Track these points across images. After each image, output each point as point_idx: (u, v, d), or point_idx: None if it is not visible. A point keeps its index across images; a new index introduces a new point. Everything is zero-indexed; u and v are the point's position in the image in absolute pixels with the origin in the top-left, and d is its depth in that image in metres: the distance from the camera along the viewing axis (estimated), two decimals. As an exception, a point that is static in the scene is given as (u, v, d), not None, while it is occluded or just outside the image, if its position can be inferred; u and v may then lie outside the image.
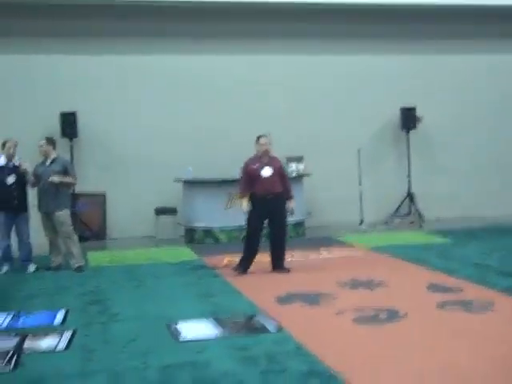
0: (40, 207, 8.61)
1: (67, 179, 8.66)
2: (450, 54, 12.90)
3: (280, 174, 8.08)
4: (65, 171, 8.64)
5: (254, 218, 7.93)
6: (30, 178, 8.59)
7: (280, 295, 6.72)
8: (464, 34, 12.75)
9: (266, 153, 8.11)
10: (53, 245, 8.71)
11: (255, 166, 8.01)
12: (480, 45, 12.94)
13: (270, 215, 7.94)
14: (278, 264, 8.05)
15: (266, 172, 7.97)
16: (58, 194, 8.54)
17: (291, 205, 8.08)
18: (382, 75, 12.57)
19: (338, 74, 12.44)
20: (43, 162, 8.71)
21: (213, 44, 11.88)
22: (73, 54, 11.43)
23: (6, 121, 10.90)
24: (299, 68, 12.32)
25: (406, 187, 12.52)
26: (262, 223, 8.01)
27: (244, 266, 8.01)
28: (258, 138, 8.20)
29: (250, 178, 7.99)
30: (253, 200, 7.94)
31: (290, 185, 8.21)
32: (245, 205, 7.95)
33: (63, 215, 8.55)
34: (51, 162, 8.65)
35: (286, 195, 8.06)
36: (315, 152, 11.98)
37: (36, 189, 8.69)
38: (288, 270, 7.99)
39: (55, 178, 8.47)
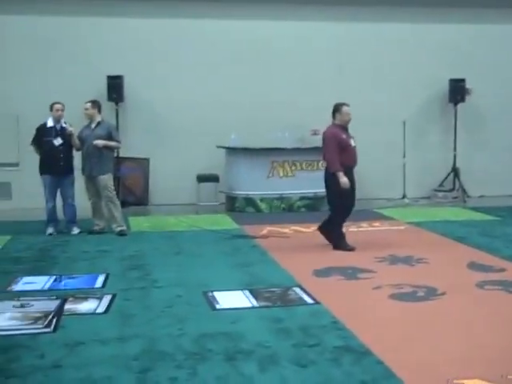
0: (84, 170, 8.74)
1: (111, 143, 8.76)
2: (504, 24, 12.48)
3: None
4: (109, 135, 8.73)
5: (346, 192, 7.44)
6: (75, 140, 8.71)
7: (318, 268, 6.72)
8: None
9: (349, 123, 7.71)
10: (96, 208, 8.85)
11: (344, 136, 7.58)
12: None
13: (353, 187, 7.62)
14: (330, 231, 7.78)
15: (353, 142, 7.66)
16: (102, 158, 8.64)
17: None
18: (431, 45, 12.25)
19: (387, 43, 12.17)
20: (88, 126, 8.80)
21: (258, 9, 11.78)
22: (122, 16, 11.47)
23: (54, 83, 11.03)
24: (346, 37, 12.11)
25: (451, 162, 12.29)
26: (349, 196, 7.56)
27: (346, 243, 7.67)
28: (341, 106, 7.68)
29: (338, 148, 7.50)
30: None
31: None
32: (346, 179, 7.40)
33: (106, 179, 8.67)
34: (96, 126, 8.74)
35: None
36: (360, 123, 11.72)
37: (81, 152, 8.82)
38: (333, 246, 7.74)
39: (99, 142, 8.57)
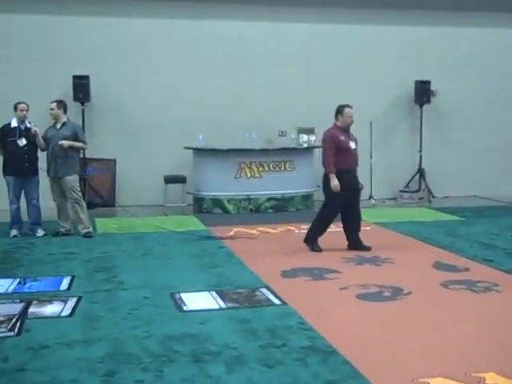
0: (49, 171, 8.63)
1: (77, 144, 8.66)
2: (468, 27, 12.64)
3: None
4: (75, 136, 8.63)
5: (339, 193, 7.36)
6: (40, 141, 8.59)
7: (285, 269, 6.73)
8: (482, 5, 12.49)
9: (350, 125, 7.62)
10: (61, 210, 8.74)
11: (343, 138, 7.49)
12: (498, 17, 12.68)
13: (351, 190, 7.49)
14: (360, 241, 7.66)
15: (353, 144, 7.55)
16: (67, 159, 8.54)
17: (361, 180, 7.79)
18: (396, 47, 12.38)
19: (352, 45, 12.27)
20: (53, 126, 8.69)
21: (228, 9, 11.77)
22: (87, 16, 11.34)
23: (18, 82, 10.88)
24: (314, 38, 12.18)
25: (417, 163, 12.44)
26: (344, 198, 7.43)
27: (316, 243, 7.63)
28: (343, 107, 7.59)
29: (336, 150, 7.42)
30: (338, 175, 7.36)
31: None
32: (337, 182, 7.32)
33: (72, 180, 8.57)
34: (61, 126, 8.64)
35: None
36: (327, 123, 11.85)
37: (46, 153, 8.70)
38: (369, 248, 7.60)
39: (65, 143, 8.47)
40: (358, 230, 7.72)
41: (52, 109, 8.65)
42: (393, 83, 12.38)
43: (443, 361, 4.21)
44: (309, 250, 7.63)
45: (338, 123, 7.61)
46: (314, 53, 12.19)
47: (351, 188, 7.49)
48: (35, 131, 8.53)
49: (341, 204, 7.48)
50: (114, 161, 11.56)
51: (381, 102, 12.48)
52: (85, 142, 8.86)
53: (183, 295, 5.76)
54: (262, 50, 11.94)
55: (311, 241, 7.67)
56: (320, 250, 7.58)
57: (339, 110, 7.61)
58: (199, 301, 5.63)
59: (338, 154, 7.41)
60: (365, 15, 12.24)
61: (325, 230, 7.70)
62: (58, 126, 8.65)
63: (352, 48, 12.28)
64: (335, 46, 12.24)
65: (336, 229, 9.21)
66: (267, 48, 11.97)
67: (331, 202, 7.56)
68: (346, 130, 7.59)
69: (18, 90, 10.27)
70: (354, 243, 7.67)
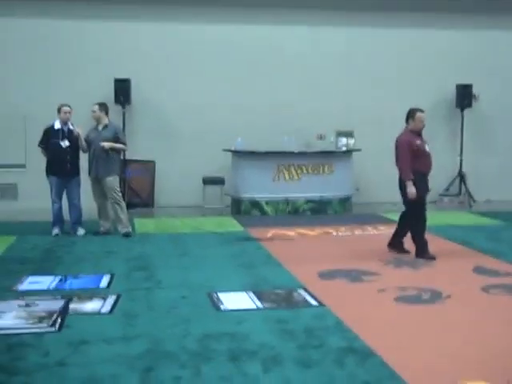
0: (90, 172, 8.77)
1: (118, 145, 8.79)
2: (509, 30, 12.47)
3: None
4: (116, 137, 8.75)
5: (421, 200, 7.26)
6: (82, 142, 8.74)
7: (322, 270, 6.71)
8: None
9: (422, 129, 7.44)
10: (102, 210, 8.87)
11: (419, 142, 7.31)
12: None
13: (426, 194, 7.41)
14: (402, 243, 7.61)
15: (427, 148, 7.37)
16: (109, 160, 8.67)
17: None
18: (437, 50, 12.27)
19: (392, 48, 12.21)
20: (95, 128, 8.83)
21: (268, 14, 11.81)
22: (131, 20, 11.51)
23: (62, 85, 11.10)
24: (354, 42, 12.15)
25: (458, 167, 12.28)
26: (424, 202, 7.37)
27: (429, 251, 7.35)
28: (415, 111, 7.41)
29: (413, 155, 7.24)
30: (416, 180, 7.21)
31: None
32: (414, 189, 7.16)
33: (112, 181, 8.70)
34: (103, 128, 8.77)
35: None
36: (366, 127, 11.85)
37: (87, 154, 8.84)
38: (408, 251, 7.51)
39: (106, 144, 8.60)
40: (406, 231, 7.58)
41: (94, 111, 8.79)
42: (434, 87, 12.27)
43: (484, 365, 4.15)
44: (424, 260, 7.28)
45: (410, 127, 7.39)
46: (353, 56, 12.15)
47: (427, 191, 7.39)
48: (78, 133, 8.67)
49: (423, 207, 7.35)
50: (154, 162, 11.68)
51: (421, 106, 12.11)
52: (125, 144, 8.97)
53: (220, 295, 5.79)
54: (300, 54, 11.95)
55: (421, 253, 7.35)
56: (434, 257, 7.26)
57: (411, 115, 7.40)
58: (236, 301, 5.65)
59: (416, 159, 7.25)
60: (405, 19, 12.16)
61: (425, 239, 7.42)
62: (100, 127, 8.78)
63: (392, 51, 12.22)
64: (375, 49, 12.19)
65: (374, 231, 9.20)
66: (306, 51, 11.98)
67: (417, 212, 7.35)
68: (418, 133, 7.38)
69: (62, 93, 10.49)
70: (396, 244, 7.60)
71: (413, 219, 7.44)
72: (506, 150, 12.48)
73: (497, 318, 5.22)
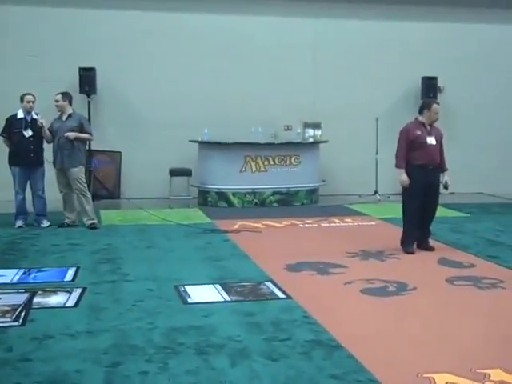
0: (55, 163, 8.64)
1: (83, 135, 8.67)
2: (474, 23, 12.61)
3: (441, 144, 7.39)
4: (81, 127, 8.63)
5: (413, 191, 7.15)
6: (46, 132, 8.59)
7: (290, 263, 6.72)
8: (488, 1, 12.47)
9: (435, 121, 7.35)
10: (67, 201, 8.75)
11: (419, 133, 7.21)
12: (504, 13, 12.67)
13: (427, 188, 7.20)
14: (425, 241, 7.45)
15: (431, 140, 7.23)
16: (73, 151, 8.55)
17: (447, 178, 7.43)
18: (403, 43, 12.36)
19: (359, 41, 12.26)
20: (59, 118, 8.69)
21: (235, 3, 11.77)
22: (94, 8, 11.35)
23: (25, 74, 10.88)
24: (321, 33, 12.17)
25: (423, 159, 12.38)
26: (421, 197, 7.20)
27: (410, 245, 7.32)
28: (431, 103, 7.38)
29: (410, 145, 7.18)
30: (410, 171, 7.17)
31: (445, 156, 7.49)
32: (405, 177, 7.14)
33: (77, 171, 8.58)
34: (67, 118, 8.63)
35: (443, 167, 7.44)
36: (333, 119, 11.88)
37: (52, 144, 8.70)
38: (433, 248, 7.41)
39: (71, 134, 8.47)
40: (427, 229, 7.47)
41: (57, 100, 8.65)
42: (399, 79, 12.36)
43: (448, 356, 4.20)
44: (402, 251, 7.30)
45: (421, 118, 7.31)
46: (320, 48, 12.17)
47: (427, 185, 7.20)
48: (41, 123, 8.53)
49: (417, 201, 7.21)
50: (120, 153, 11.57)
51: (387, 98, 12.45)
52: (91, 134, 8.86)
53: (188, 288, 5.76)
54: (268, 45, 11.91)
55: (404, 244, 7.36)
56: (411, 252, 7.24)
57: (427, 105, 7.33)
58: (203, 293, 5.62)
59: (413, 149, 7.19)
60: (371, 10, 12.21)
61: (415, 231, 7.36)
62: (64, 117, 8.65)
63: (358, 44, 12.27)
64: (341, 42, 12.23)
65: (340, 223, 9.25)
66: (273, 42, 11.95)
67: (407, 201, 7.31)
68: (426, 124, 7.30)
69: (25, 82, 10.28)
70: (419, 241, 7.46)
71: (404, 210, 7.40)
72: (470, 142, 12.63)
73: (462, 309, 5.29)
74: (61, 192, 8.72)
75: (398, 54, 12.34)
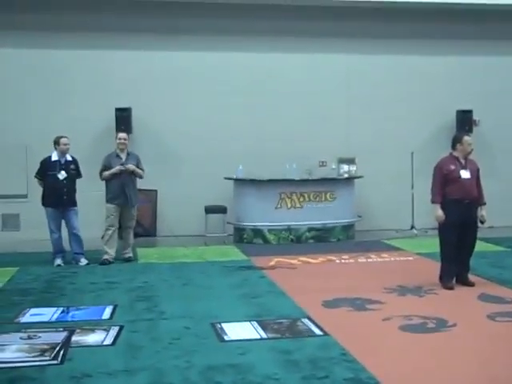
0: (116, 200, 8.82)
1: (138, 170, 9.03)
2: (508, 56, 12.56)
3: (477, 177, 7.32)
4: (137, 166, 9.00)
5: (449, 226, 7.07)
6: (137, 171, 8.93)
7: (327, 299, 6.66)
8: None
9: (469, 154, 7.32)
10: (113, 237, 8.93)
11: (453, 167, 7.19)
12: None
13: (464, 222, 7.09)
14: (465, 276, 7.30)
15: (465, 174, 7.19)
16: (135, 188, 8.93)
17: (484, 212, 7.34)
18: (437, 76, 12.36)
19: (392, 75, 12.30)
20: (117, 156, 8.90)
21: (267, 41, 11.92)
22: (129, 49, 11.62)
23: (62, 115, 11.13)
24: (354, 68, 12.23)
25: (460, 192, 12.24)
26: (458, 231, 7.09)
27: (449, 280, 7.21)
28: (462, 136, 7.33)
29: (444, 180, 7.14)
30: (446, 205, 7.10)
31: (482, 190, 7.42)
32: (440, 213, 7.08)
33: (136, 209, 8.98)
34: (127, 157, 8.96)
35: (480, 201, 7.34)
36: (367, 153, 11.87)
37: (104, 182, 8.93)
38: (473, 284, 7.27)
39: (130, 166, 8.78)
40: (465, 264, 7.34)
41: (126, 139, 9.01)
42: (434, 113, 12.33)
43: (491, 395, 4.09)
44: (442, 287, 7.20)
45: (455, 153, 7.28)
46: (353, 83, 12.23)
47: (463, 219, 7.08)
48: (132, 168, 8.83)
49: (454, 236, 7.10)
50: (155, 191, 11.68)
51: (422, 132, 12.40)
52: (143, 171, 9.12)
53: (224, 325, 5.73)
54: (301, 81, 12.01)
55: (442, 279, 7.27)
56: (450, 288, 7.11)
57: (458, 139, 7.29)
58: (240, 331, 5.59)
59: (448, 184, 7.14)
60: (405, 45, 12.28)
61: (453, 266, 7.23)
62: (123, 155, 8.87)
63: (392, 78, 12.30)
64: (375, 76, 12.26)
65: (377, 258, 9.15)
66: (307, 79, 12.05)
67: (444, 235, 7.23)
68: (460, 158, 7.24)
69: (62, 122, 10.53)
70: (458, 276, 7.33)
71: (441, 247, 7.33)
72: (507, 175, 12.47)
73: (504, 346, 5.15)
74: (109, 229, 8.86)
75: (432, 88, 12.33)
